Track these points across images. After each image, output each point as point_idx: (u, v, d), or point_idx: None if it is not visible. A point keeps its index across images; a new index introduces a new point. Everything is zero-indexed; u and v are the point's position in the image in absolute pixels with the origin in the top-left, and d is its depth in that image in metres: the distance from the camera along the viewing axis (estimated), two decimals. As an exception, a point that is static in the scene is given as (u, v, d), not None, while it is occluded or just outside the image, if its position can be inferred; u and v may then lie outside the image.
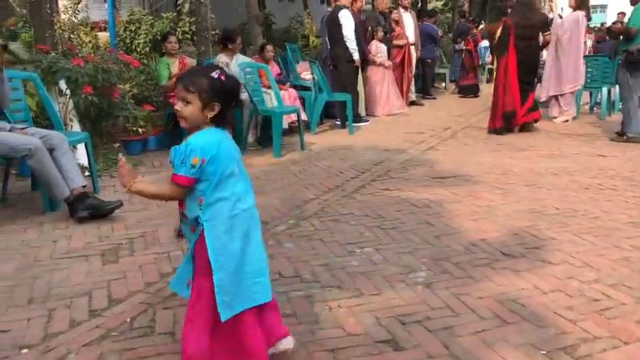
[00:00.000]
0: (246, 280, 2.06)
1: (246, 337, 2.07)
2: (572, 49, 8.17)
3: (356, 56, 7.75)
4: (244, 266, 2.06)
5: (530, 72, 7.46)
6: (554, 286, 2.94)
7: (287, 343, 2.23)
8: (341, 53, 7.79)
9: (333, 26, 7.84)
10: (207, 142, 1.99)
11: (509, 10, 8.24)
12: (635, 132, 6.78)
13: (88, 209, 3.91)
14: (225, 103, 2.01)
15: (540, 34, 7.49)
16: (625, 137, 6.85)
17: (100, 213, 3.92)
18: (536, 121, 7.68)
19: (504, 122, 7.42)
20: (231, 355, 2.09)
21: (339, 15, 7.72)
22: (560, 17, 8.37)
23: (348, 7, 7.83)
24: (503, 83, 7.36)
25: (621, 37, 7.14)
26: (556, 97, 8.43)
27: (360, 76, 8.54)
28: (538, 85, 9.94)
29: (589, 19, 8.61)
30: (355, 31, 7.72)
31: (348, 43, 7.68)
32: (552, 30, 8.29)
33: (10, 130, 3.94)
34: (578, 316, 2.61)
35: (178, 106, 2.02)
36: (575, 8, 8.14)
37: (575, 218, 4.03)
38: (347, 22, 7.68)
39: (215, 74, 1.99)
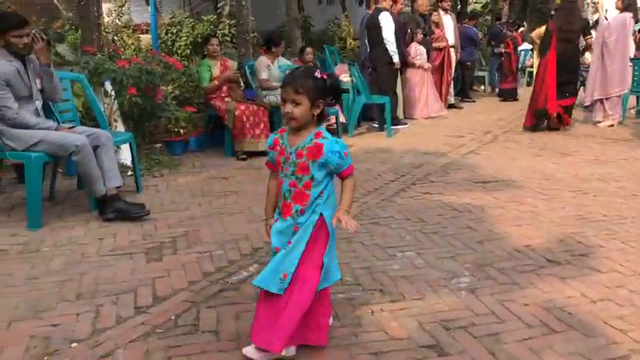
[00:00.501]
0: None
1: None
2: (619, 51, 7.95)
3: (396, 59, 7.70)
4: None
5: (569, 72, 7.61)
6: (603, 295, 2.86)
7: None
8: (380, 55, 7.75)
9: (373, 28, 7.81)
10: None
11: (552, 12, 8.18)
12: None
13: (116, 212, 3.98)
14: (328, 99, 2.22)
15: (582, 37, 7.66)
16: None
17: (126, 218, 3.98)
18: (562, 123, 7.73)
19: (536, 120, 7.68)
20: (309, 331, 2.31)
21: (380, 17, 7.68)
22: (607, 19, 8.14)
23: (388, 10, 7.79)
24: (542, 83, 7.59)
25: None
26: (601, 100, 8.20)
27: (398, 79, 8.49)
28: (581, 89, 9.76)
29: (637, 21, 8.36)
30: (395, 33, 7.67)
31: (388, 46, 7.64)
32: (598, 32, 8.11)
33: (56, 129, 4.05)
34: (628, 326, 2.54)
35: (288, 108, 2.18)
36: (622, 10, 7.93)
37: (623, 225, 3.91)
38: (387, 24, 7.64)
39: (317, 74, 2.18)
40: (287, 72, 2.41)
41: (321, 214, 2.24)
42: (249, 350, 2.26)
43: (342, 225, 2.18)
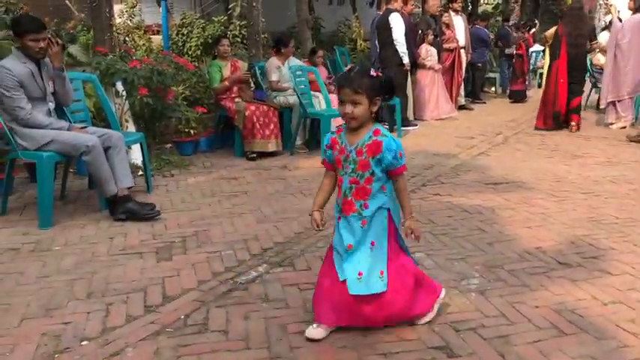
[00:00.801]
0: None
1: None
2: (632, 53, 7.88)
3: (406, 60, 7.68)
4: None
5: (578, 74, 7.97)
6: (615, 298, 2.83)
7: None
8: (390, 56, 7.73)
9: (383, 29, 7.80)
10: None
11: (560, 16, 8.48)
12: None
13: (126, 212, 4.00)
14: (384, 96, 2.29)
15: (588, 42, 8.10)
16: None
17: (137, 219, 3.99)
18: (572, 122, 7.92)
19: (554, 121, 7.93)
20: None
21: (390, 18, 7.67)
22: (620, 20, 8.08)
23: (398, 11, 7.78)
24: (554, 85, 7.88)
25: None
26: (613, 102, 8.15)
27: (409, 80, 8.47)
28: (593, 90, 9.70)
29: (650, 21, 8.27)
30: (405, 34, 7.66)
31: (398, 47, 7.62)
32: (611, 34, 8.08)
33: (68, 129, 4.08)
34: (640, 330, 2.52)
35: (348, 109, 2.26)
36: (635, 11, 7.86)
37: (635, 228, 3.88)
38: (397, 25, 7.63)
39: (373, 73, 2.26)
40: (340, 74, 2.55)
41: (388, 209, 2.37)
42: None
43: (413, 236, 2.40)
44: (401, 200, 2.40)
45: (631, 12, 7.99)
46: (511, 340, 2.44)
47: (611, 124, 8.12)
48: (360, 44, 11.45)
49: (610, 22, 8.42)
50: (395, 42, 7.61)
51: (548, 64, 8.43)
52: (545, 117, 7.97)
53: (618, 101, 8.10)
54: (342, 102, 2.30)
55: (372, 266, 2.36)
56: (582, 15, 8.29)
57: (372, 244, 2.37)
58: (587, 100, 10.19)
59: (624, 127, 8.00)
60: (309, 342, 2.41)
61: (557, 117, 7.88)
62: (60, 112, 4.33)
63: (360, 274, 2.34)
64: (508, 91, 11.53)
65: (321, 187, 2.55)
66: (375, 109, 2.30)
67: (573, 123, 7.82)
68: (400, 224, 2.44)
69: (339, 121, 6.99)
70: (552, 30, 8.64)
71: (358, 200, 2.35)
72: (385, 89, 2.31)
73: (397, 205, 2.43)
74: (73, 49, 8.12)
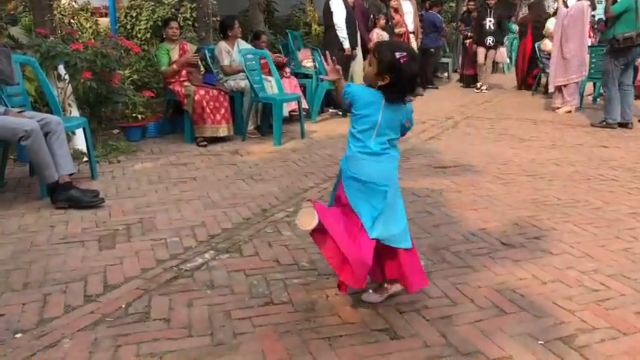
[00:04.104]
0: None
1: None
2: (577, 38, 8.11)
3: (346, 45, 7.64)
4: None
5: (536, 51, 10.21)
6: (554, 277, 2.92)
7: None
8: (332, 40, 7.68)
9: (325, 13, 7.77)
10: None
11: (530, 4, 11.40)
12: (613, 118, 7.08)
13: (68, 201, 3.87)
14: (397, 81, 2.30)
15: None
16: (604, 122, 7.13)
17: (79, 207, 3.87)
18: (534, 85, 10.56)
19: (521, 83, 11.01)
20: None
21: (330, 2, 7.64)
22: (566, 6, 8.28)
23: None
24: (522, 60, 10.86)
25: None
26: (559, 87, 8.37)
27: (361, 65, 8.47)
28: (541, 75, 9.96)
29: (594, 8, 8.54)
30: (347, 18, 7.62)
31: (338, 32, 7.58)
32: (557, 19, 8.28)
33: (4, 114, 3.91)
34: (576, 307, 2.59)
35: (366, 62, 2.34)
36: (581, -3, 8.09)
37: (576, 209, 4.00)
38: (337, 9, 7.58)
39: (399, 54, 2.27)
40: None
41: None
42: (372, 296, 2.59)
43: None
44: None
45: (576, -1, 8.22)
46: (453, 320, 2.48)
47: (558, 108, 8.35)
48: (315, 28, 11.37)
49: (557, 9, 8.62)
50: (335, 27, 7.57)
51: (517, 43, 11.86)
52: (519, 80, 10.99)
53: (564, 86, 8.33)
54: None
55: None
56: (542, 4, 10.74)
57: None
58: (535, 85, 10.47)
59: (570, 112, 8.24)
60: (264, 326, 2.40)
61: (524, 80, 10.82)
62: (-5, 96, 4.15)
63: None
64: (460, 76, 11.71)
65: None
66: (382, 83, 2.32)
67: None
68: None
69: (292, 105, 6.97)
70: (524, 17, 11.44)
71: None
72: (401, 76, 2.30)
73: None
74: (15, 30, 7.79)
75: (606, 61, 7.11)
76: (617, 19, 6.72)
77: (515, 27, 13.69)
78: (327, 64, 2.52)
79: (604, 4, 8.32)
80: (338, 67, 2.52)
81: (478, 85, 10.79)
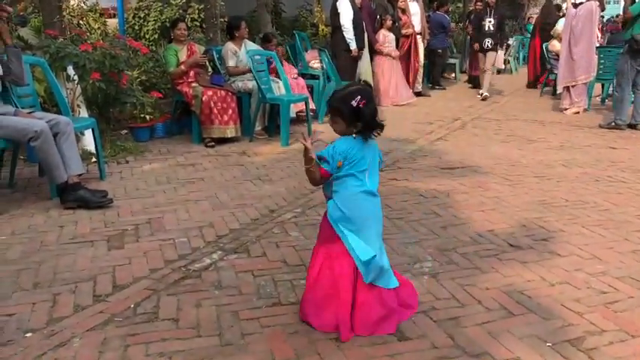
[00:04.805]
0: None
1: None
2: (585, 39, 8.07)
3: (352, 46, 7.64)
4: None
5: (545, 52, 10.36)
6: (562, 278, 2.91)
7: None
8: (339, 41, 7.71)
9: (333, 14, 7.79)
10: None
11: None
12: (622, 119, 7.06)
13: (77, 201, 3.90)
14: (367, 122, 2.33)
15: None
16: (613, 124, 7.10)
17: (88, 207, 3.89)
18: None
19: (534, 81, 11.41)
20: None
21: (338, 3, 7.66)
22: (575, 7, 8.25)
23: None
24: (533, 59, 11.35)
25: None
26: (567, 88, 8.34)
27: (369, 66, 8.49)
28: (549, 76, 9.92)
29: (603, 9, 8.50)
30: (355, 20, 7.62)
31: (345, 33, 7.59)
32: (566, 20, 8.25)
33: (14, 115, 3.94)
34: (585, 309, 2.59)
35: (332, 124, 2.41)
36: (589, -2, 8.06)
37: (584, 210, 3.98)
38: (345, 11, 7.60)
39: (355, 102, 2.29)
40: (332, 93, 2.46)
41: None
42: None
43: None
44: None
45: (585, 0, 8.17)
46: (461, 322, 2.48)
47: (566, 109, 8.32)
48: (322, 29, 11.38)
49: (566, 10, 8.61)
50: (342, 28, 7.58)
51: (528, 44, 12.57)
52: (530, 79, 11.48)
53: (572, 87, 8.29)
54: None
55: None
56: (551, 7, 11.43)
57: None
58: (543, 86, 10.44)
59: (578, 113, 8.21)
60: (272, 327, 2.41)
61: (537, 79, 11.24)
62: (6, 96, 4.18)
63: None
64: (468, 77, 11.68)
65: None
66: (355, 130, 2.33)
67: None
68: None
69: (299, 106, 6.98)
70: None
71: None
72: (363, 120, 2.31)
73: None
74: (24, 32, 7.83)
75: (622, 61, 7.08)
76: (636, 20, 6.67)
77: (530, 27, 14.08)
78: (306, 142, 2.40)
79: (622, 4, 8.32)
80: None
81: (480, 91, 9.97)
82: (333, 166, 2.35)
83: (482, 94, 9.71)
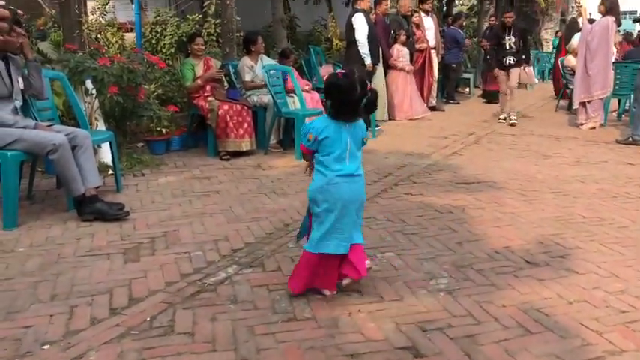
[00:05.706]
0: None
1: None
2: (601, 54, 8.04)
3: (368, 60, 7.67)
4: None
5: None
6: (580, 296, 2.87)
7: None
8: (354, 56, 7.73)
9: (348, 29, 7.83)
10: None
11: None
12: None
13: (94, 213, 3.94)
14: (338, 97, 2.55)
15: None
16: (630, 139, 7.03)
17: (105, 219, 3.93)
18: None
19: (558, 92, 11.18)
20: None
21: (353, 18, 7.70)
22: (590, 22, 8.23)
23: (363, 11, 7.78)
24: (559, 73, 10.90)
25: None
26: (583, 103, 8.30)
27: (383, 81, 8.51)
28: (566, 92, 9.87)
29: (619, 24, 8.46)
30: (370, 35, 7.66)
31: (360, 48, 7.62)
32: (581, 36, 8.23)
33: (34, 128, 4.00)
34: (603, 328, 2.55)
35: None
36: (605, 14, 8.01)
37: (602, 227, 3.94)
38: (360, 26, 7.63)
39: (334, 75, 2.60)
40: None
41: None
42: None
43: None
44: None
45: (600, 15, 8.14)
46: (477, 339, 2.46)
47: (582, 124, 8.27)
48: (336, 44, 11.44)
49: (581, 24, 8.59)
50: (357, 43, 7.61)
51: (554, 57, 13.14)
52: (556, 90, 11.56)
53: (588, 102, 8.25)
54: None
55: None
56: (576, 22, 11.47)
57: None
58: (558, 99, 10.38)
59: (594, 128, 8.16)
60: (287, 342, 2.41)
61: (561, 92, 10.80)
62: (26, 110, 4.24)
63: None
64: (482, 92, 11.66)
65: None
66: (328, 106, 2.59)
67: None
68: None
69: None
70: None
71: None
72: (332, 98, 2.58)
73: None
74: (44, 46, 7.96)
75: None
76: None
77: (556, 41, 14.27)
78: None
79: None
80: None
81: (501, 116, 8.91)
82: (305, 140, 2.60)
83: (507, 119, 8.72)
